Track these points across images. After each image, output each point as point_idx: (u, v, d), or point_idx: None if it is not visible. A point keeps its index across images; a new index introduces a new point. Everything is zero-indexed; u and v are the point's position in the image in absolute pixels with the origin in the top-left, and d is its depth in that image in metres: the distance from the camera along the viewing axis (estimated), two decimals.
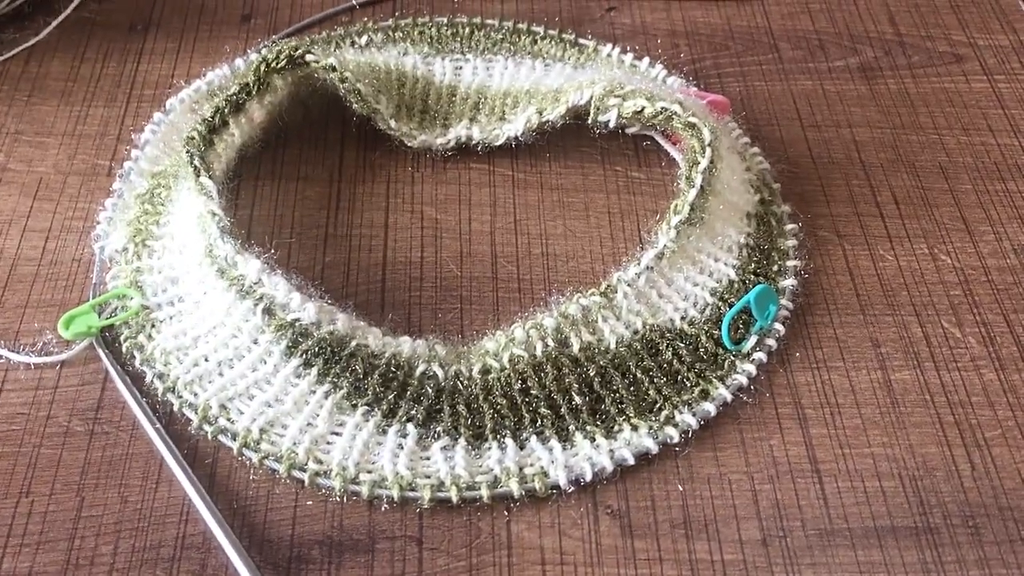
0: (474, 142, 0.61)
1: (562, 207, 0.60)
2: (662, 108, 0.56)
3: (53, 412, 0.50)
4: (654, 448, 0.49)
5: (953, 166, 0.63)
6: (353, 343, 0.49)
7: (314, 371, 0.49)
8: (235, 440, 0.48)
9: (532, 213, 0.59)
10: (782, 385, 0.52)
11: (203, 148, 0.54)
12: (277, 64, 0.57)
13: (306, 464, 0.47)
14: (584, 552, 0.46)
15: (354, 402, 0.49)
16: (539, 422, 0.49)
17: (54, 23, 0.68)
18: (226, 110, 0.56)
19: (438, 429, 0.48)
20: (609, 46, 0.68)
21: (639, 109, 0.56)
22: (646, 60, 0.67)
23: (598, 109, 0.58)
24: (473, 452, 0.48)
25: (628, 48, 0.68)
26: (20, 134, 0.62)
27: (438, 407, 0.49)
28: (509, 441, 0.48)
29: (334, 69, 0.57)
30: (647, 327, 0.52)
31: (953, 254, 0.58)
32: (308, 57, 0.57)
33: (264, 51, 0.62)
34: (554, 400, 0.50)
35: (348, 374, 0.49)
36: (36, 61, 0.67)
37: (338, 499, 0.47)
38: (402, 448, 0.48)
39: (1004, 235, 0.59)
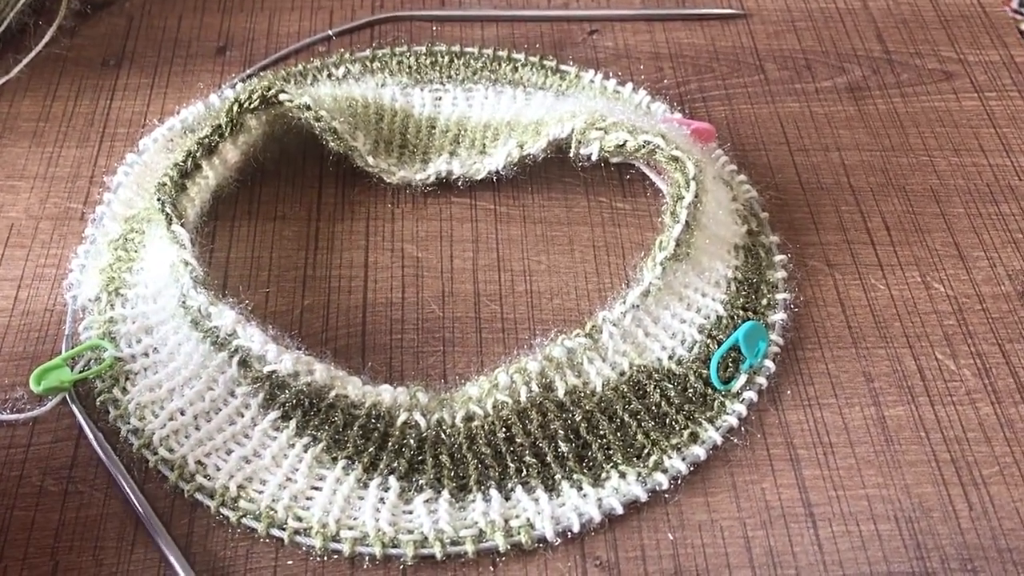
0: (455, 176, 0.60)
1: (546, 241, 0.58)
2: (645, 141, 0.54)
3: (26, 471, 0.48)
4: (643, 496, 0.47)
5: (944, 189, 0.62)
6: (332, 394, 0.48)
7: (292, 424, 0.48)
8: (212, 498, 0.47)
9: (515, 248, 0.58)
10: (773, 425, 0.51)
11: (175, 194, 0.53)
12: (250, 104, 0.55)
13: (286, 522, 0.46)
14: None
15: (334, 455, 0.48)
16: (524, 471, 0.48)
17: (24, 60, 0.66)
18: (198, 153, 0.54)
19: (421, 481, 0.47)
20: (592, 72, 0.67)
21: (621, 142, 0.55)
22: (629, 85, 0.66)
23: (580, 142, 0.56)
24: (457, 504, 0.47)
25: (611, 73, 0.67)
26: None
27: (420, 458, 0.48)
28: (494, 492, 0.47)
29: (309, 108, 0.56)
30: (634, 368, 0.51)
31: (946, 282, 0.57)
32: (282, 96, 0.56)
33: (237, 90, 0.61)
34: (539, 448, 0.48)
35: (327, 426, 0.48)
36: (6, 100, 0.65)
37: (319, 557, 0.46)
38: (384, 502, 0.46)
39: (998, 260, 0.58)
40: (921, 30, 0.72)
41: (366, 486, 0.47)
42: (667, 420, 0.50)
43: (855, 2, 0.74)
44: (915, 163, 0.63)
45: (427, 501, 0.47)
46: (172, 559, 0.45)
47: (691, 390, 0.51)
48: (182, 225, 0.51)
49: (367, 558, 0.45)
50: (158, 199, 0.52)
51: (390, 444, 0.48)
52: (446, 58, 0.67)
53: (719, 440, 0.50)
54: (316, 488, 0.47)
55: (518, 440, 0.48)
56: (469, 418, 0.49)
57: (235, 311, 0.48)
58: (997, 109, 0.67)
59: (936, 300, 0.56)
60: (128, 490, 0.47)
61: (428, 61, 0.67)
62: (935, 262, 0.58)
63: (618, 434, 0.49)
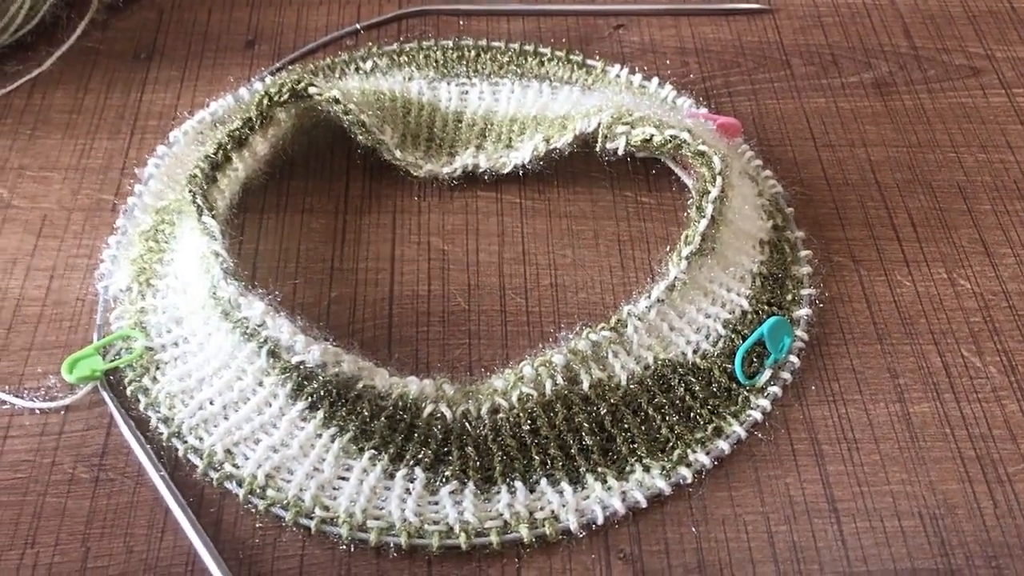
0: (481, 170, 0.60)
1: (571, 235, 0.59)
2: (671, 136, 0.55)
3: (58, 459, 0.49)
4: (667, 489, 0.48)
5: (971, 185, 0.62)
6: (359, 385, 0.49)
7: (320, 414, 0.48)
8: (241, 487, 0.47)
9: (540, 242, 0.58)
10: (798, 420, 0.51)
11: (205, 186, 0.53)
12: (280, 98, 0.56)
13: (313, 511, 0.46)
14: None
15: (361, 445, 0.48)
16: (549, 464, 0.48)
17: (57, 53, 0.67)
18: (229, 146, 0.55)
19: (446, 473, 0.48)
20: (617, 66, 0.67)
21: (648, 137, 0.55)
22: (655, 80, 0.66)
23: (606, 137, 0.57)
24: (482, 496, 0.47)
25: (636, 68, 0.67)
26: (24, 169, 0.61)
27: (446, 449, 0.48)
28: (519, 484, 0.47)
29: (337, 101, 0.56)
30: (659, 362, 0.51)
31: (972, 278, 0.57)
32: (311, 90, 0.56)
33: (267, 84, 0.61)
34: (564, 440, 0.49)
35: (354, 417, 0.48)
36: (39, 93, 0.66)
37: (345, 547, 0.46)
38: (410, 493, 0.47)
39: None
40: (948, 25, 0.72)
41: (392, 477, 0.48)
42: (691, 414, 0.50)
43: None
44: (942, 159, 0.63)
45: (453, 492, 0.47)
46: (201, 546, 0.46)
47: (716, 384, 0.51)
48: (212, 217, 0.52)
49: (393, 548, 0.46)
50: (189, 191, 0.52)
51: (416, 435, 0.48)
52: (473, 52, 0.68)
53: (743, 435, 0.50)
54: (343, 478, 0.48)
55: (543, 432, 0.49)
56: (494, 410, 0.49)
57: (264, 302, 0.49)
58: None
59: (962, 296, 0.56)
60: (158, 478, 0.48)
61: (455, 55, 0.67)
62: (961, 258, 0.58)
63: (642, 428, 0.49)
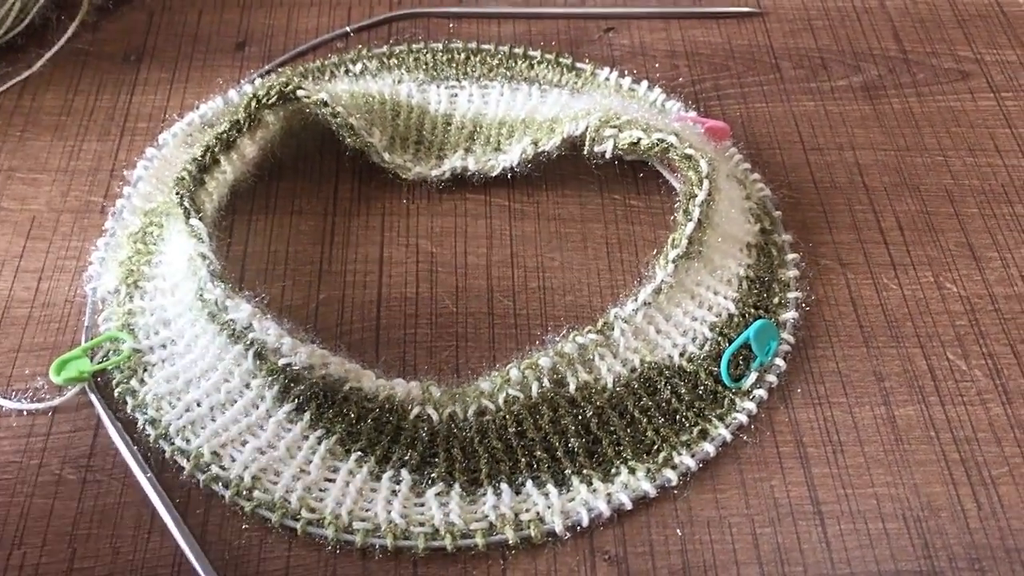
0: (470, 173, 0.60)
1: (559, 238, 0.59)
2: (658, 140, 0.55)
3: (45, 460, 0.49)
4: (652, 492, 0.48)
5: (959, 189, 0.62)
6: (346, 387, 0.49)
7: (307, 416, 0.49)
8: (228, 488, 0.47)
9: (529, 245, 0.59)
10: (783, 423, 0.51)
11: (193, 188, 0.53)
12: (268, 100, 0.56)
13: (299, 513, 0.46)
14: None
15: (347, 448, 0.48)
16: (535, 466, 0.48)
17: (47, 55, 0.67)
18: (217, 148, 0.55)
19: (432, 475, 0.48)
20: (607, 69, 0.67)
21: (635, 140, 0.55)
22: (644, 83, 0.66)
23: (594, 140, 0.57)
24: (468, 498, 0.48)
25: (626, 71, 0.67)
26: (13, 171, 0.61)
27: (432, 451, 0.48)
28: (504, 486, 0.48)
29: (325, 104, 0.56)
30: (645, 364, 0.51)
31: (959, 282, 0.57)
32: (299, 92, 0.56)
33: (256, 86, 0.61)
34: (550, 443, 0.49)
35: (341, 419, 0.49)
36: (29, 94, 0.66)
37: (331, 548, 0.46)
38: (396, 495, 0.47)
39: (1011, 261, 0.58)
40: (938, 29, 0.72)
41: (379, 478, 0.48)
42: (677, 417, 0.50)
43: (872, 1, 0.74)
44: (930, 163, 0.64)
45: (439, 494, 0.47)
46: (187, 548, 0.46)
47: (702, 387, 0.51)
48: (200, 219, 0.52)
49: (379, 549, 0.46)
50: (177, 193, 0.52)
51: (403, 437, 0.49)
52: (463, 55, 0.68)
53: (729, 437, 0.50)
54: (329, 480, 0.48)
55: (529, 435, 0.49)
56: (481, 412, 0.49)
57: (251, 304, 0.49)
58: (1013, 109, 0.67)
59: (948, 300, 0.56)
60: (145, 480, 0.48)
61: (445, 58, 0.68)
62: (948, 262, 0.58)
63: (628, 430, 0.50)
